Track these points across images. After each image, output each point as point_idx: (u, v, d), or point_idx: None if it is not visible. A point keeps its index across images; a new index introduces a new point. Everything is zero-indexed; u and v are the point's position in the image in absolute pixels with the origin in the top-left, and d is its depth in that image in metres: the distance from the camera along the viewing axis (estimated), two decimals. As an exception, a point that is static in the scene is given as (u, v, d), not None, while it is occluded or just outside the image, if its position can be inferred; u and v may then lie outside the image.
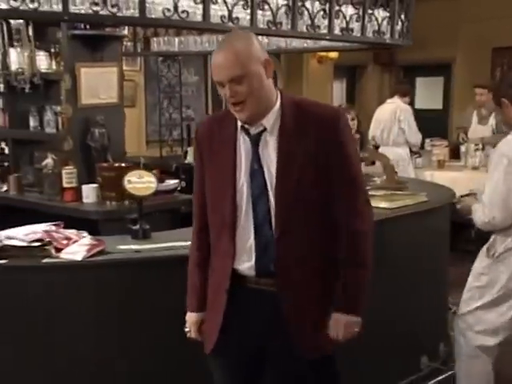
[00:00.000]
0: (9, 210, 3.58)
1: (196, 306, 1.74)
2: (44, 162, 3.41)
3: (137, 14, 2.08)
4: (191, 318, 1.75)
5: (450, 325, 3.09)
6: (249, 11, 2.32)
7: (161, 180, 3.65)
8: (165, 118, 5.29)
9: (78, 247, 2.02)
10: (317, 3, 2.57)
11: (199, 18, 2.21)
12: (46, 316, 1.96)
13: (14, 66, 3.48)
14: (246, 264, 1.63)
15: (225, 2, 2.23)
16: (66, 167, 3.34)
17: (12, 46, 3.43)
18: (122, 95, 3.61)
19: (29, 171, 3.67)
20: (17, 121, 3.74)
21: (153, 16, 2.11)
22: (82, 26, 3.25)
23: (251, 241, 1.62)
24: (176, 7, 2.12)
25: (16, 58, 3.48)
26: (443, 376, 2.93)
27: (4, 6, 1.94)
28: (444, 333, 3.13)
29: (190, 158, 4.77)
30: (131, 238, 2.29)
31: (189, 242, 1.88)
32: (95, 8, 2.08)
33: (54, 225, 2.17)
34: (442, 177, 5.11)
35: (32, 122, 3.67)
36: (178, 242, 2.18)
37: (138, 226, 2.29)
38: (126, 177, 2.25)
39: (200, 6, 2.18)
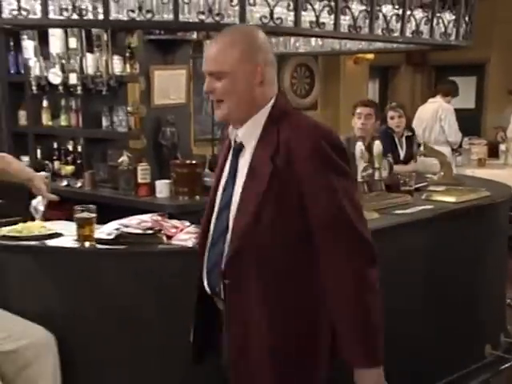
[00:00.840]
0: (86, 204, 3.80)
1: None
2: (120, 159, 3.61)
3: (237, 21, 2.27)
4: None
5: (508, 319, 3.25)
6: (333, 17, 2.50)
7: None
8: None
9: (186, 235, 2.21)
10: (389, 7, 2.74)
11: (290, 23, 2.39)
12: (157, 297, 2.14)
13: (90, 70, 3.69)
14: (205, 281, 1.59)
15: (313, 9, 2.42)
16: (141, 164, 3.55)
17: (91, 51, 3.65)
18: (189, 96, 3.82)
19: (101, 168, 3.88)
20: (89, 121, 3.96)
21: (251, 23, 2.30)
22: (157, 31, 3.45)
23: (205, 256, 1.58)
24: (272, 14, 2.31)
25: (92, 63, 3.69)
26: (507, 365, 3.05)
27: (124, 18, 2.15)
28: (503, 325, 3.28)
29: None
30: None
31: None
32: (201, 17, 2.28)
33: (159, 215, 2.36)
34: (483, 175, 5.23)
35: (104, 122, 3.89)
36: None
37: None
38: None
39: (292, 13, 2.37)
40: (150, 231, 2.19)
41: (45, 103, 4.19)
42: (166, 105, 3.65)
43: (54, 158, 4.20)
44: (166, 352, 2.12)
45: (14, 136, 4.39)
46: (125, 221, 2.28)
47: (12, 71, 4.25)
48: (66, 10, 2.18)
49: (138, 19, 2.15)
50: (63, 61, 3.77)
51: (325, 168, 1.41)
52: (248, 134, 1.50)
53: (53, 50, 3.79)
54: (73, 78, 3.73)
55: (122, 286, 2.14)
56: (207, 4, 2.20)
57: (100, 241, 2.18)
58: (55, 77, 3.81)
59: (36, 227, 2.34)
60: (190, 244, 2.16)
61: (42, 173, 2.66)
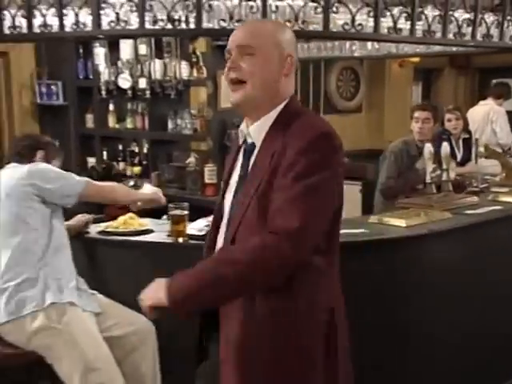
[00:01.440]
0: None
1: None
2: (187, 160, 3.77)
3: (319, 28, 2.38)
4: None
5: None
6: (409, 22, 2.59)
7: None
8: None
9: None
10: (461, 11, 2.81)
11: (370, 30, 2.49)
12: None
13: (158, 75, 3.86)
14: None
15: (391, 15, 2.51)
16: (208, 165, 3.69)
17: (159, 57, 3.82)
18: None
19: (167, 169, 4.05)
20: (155, 123, 4.13)
21: (333, 29, 2.41)
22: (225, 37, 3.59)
23: None
24: (353, 21, 2.42)
25: (160, 68, 3.86)
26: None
27: (215, 27, 2.29)
28: None
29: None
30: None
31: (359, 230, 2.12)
32: (288, 24, 2.38)
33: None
34: (536, 177, 5.22)
35: (170, 125, 4.05)
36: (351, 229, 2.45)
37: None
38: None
39: (371, 20, 2.47)
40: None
41: (111, 107, 4.39)
42: (231, 108, 3.77)
43: (119, 159, 4.40)
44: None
45: (81, 138, 4.60)
46: (211, 218, 2.41)
47: (81, 76, 4.46)
48: (162, 20, 2.32)
49: (228, 28, 2.28)
50: (133, 66, 3.95)
51: (301, 172, 1.30)
52: (258, 132, 1.39)
53: (123, 57, 3.97)
54: (142, 83, 3.90)
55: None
56: (293, 12, 2.32)
57: (192, 236, 2.31)
58: (124, 81, 4.00)
59: (131, 223, 2.46)
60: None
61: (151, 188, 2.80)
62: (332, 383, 1.38)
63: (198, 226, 2.35)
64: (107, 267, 2.37)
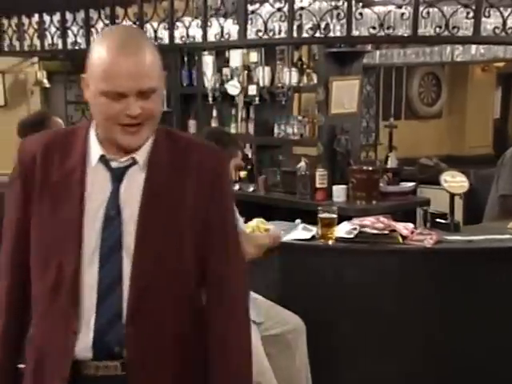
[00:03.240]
0: (257, 206, 4.07)
1: None
2: (298, 165, 3.84)
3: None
4: None
5: None
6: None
7: (394, 182, 3.98)
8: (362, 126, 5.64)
9: (421, 236, 2.36)
10: None
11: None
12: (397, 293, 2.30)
13: (267, 82, 3.96)
14: (82, 344, 1.21)
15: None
16: (319, 170, 3.75)
17: (267, 64, 3.92)
18: (360, 105, 3.99)
19: (271, 173, 4.13)
20: (261, 129, 4.23)
21: (484, 34, 2.40)
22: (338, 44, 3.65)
23: (91, 313, 1.20)
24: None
25: (268, 74, 3.96)
26: None
27: (365, 33, 2.35)
28: None
29: (390, 163, 5.09)
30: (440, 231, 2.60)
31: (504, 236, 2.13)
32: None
33: (384, 217, 2.52)
34: None
35: (276, 129, 4.14)
36: (493, 235, 2.45)
37: (449, 220, 2.60)
38: (442, 176, 2.57)
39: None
40: (386, 231, 2.35)
41: (214, 113, 4.52)
42: (341, 114, 3.84)
43: (222, 164, 4.50)
44: (401, 342, 2.27)
45: (183, 143, 4.75)
46: (357, 221, 2.46)
47: (184, 84, 4.62)
48: (311, 28, 2.40)
49: (378, 35, 2.33)
50: (242, 73, 4.06)
51: (229, 193, 1.32)
52: (144, 156, 1.26)
53: (232, 64, 4.09)
54: (252, 89, 4.01)
55: (363, 282, 2.31)
56: (444, 18, 2.34)
57: (340, 239, 2.37)
58: (233, 88, 4.11)
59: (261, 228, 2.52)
60: (427, 244, 2.30)
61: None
62: None
63: (345, 229, 2.41)
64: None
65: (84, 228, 1.21)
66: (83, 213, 1.22)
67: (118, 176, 1.23)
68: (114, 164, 1.24)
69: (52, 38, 3.43)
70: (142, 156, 1.24)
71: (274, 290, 2.39)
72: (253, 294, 2.27)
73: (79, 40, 3.38)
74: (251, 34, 2.58)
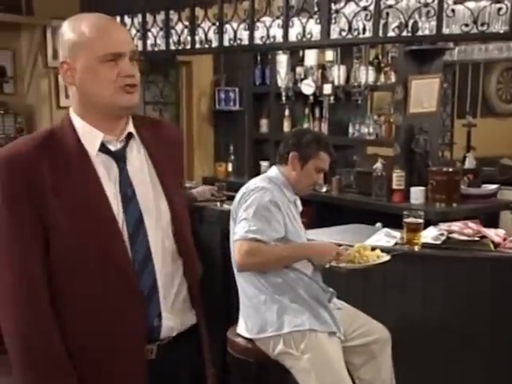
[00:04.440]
0: (329, 207, 4.02)
1: None
2: (374, 165, 3.75)
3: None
4: None
5: None
6: None
7: (475, 184, 3.82)
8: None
9: (513, 243, 2.24)
10: None
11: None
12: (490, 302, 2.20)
13: (342, 81, 3.89)
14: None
15: None
16: (396, 171, 3.64)
17: (342, 63, 3.85)
18: (439, 104, 3.84)
19: (345, 173, 4.06)
20: (335, 128, 4.17)
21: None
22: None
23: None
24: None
25: (344, 73, 3.89)
26: None
27: (457, 32, 2.25)
28: None
29: (467, 163, 4.88)
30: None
31: None
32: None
33: (472, 222, 2.41)
34: None
35: (351, 129, 4.06)
36: None
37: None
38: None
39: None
40: (476, 238, 2.25)
41: (287, 112, 4.49)
42: (419, 113, 3.72)
43: (293, 163, 4.48)
44: (493, 352, 2.16)
45: (254, 142, 4.76)
46: (444, 226, 2.36)
47: (257, 83, 4.62)
48: (398, 27, 2.33)
49: (471, 32, 2.22)
50: (316, 72, 4.01)
51: None
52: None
53: (307, 63, 4.05)
54: (327, 89, 3.95)
55: (450, 291, 2.22)
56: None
57: (426, 245, 2.28)
58: (308, 87, 4.06)
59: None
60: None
61: None
62: None
63: (431, 235, 2.32)
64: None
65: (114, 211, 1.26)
66: (107, 197, 1.26)
67: (120, 157, 1.30)
68: (112, 147, 1.31)
69: (133, 39, 3.52)
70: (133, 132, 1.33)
71: (358, 296, 2.34)
72: (337, 301, 2.23)
73: (159, 41, 3.45)
74: (334, 34, 2.53)
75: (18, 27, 3.79)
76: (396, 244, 2.37)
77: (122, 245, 1.25)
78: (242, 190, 2.17)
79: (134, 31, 3.52)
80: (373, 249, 2.14)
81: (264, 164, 4.63)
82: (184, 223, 1.36)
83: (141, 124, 1.35)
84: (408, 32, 2.34)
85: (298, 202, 2.29)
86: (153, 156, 1.33)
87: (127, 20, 3.54)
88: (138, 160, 1.32)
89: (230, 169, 4.82)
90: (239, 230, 2.03)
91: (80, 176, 1.25)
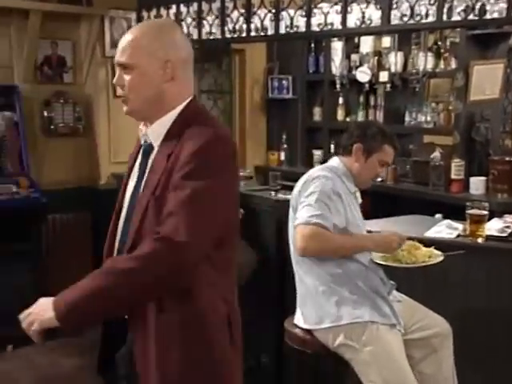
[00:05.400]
0: (385, 197, 3.95)
1: None
2: (432, 154, 3.65)
3: None
4: None
5: None
6: None
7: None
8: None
9: None
10: None
11: None
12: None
13: (399, 67, 3.79)
14: None
15: None
16: (455, 160, 3.53)
17: (400, 49, 3.74)
18: (502, 91, 3.68)
19: (401, 162, 3.97)
20: (391, 116, 4.08)
21: None
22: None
23: None
24: None
25: (401, 60, 3.79)
26: None
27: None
28: None
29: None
30: None
31: None
32: None
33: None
34: None
35: (407, 117, 3.96)
36: None
37: None
38: None
39: None
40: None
41: (340, 100, 4.42)
42: (481, 100, 3.58)
43: (347, 152, 4.41)
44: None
45: (307, 131, 4.72)
46: (509, 218, 2.28)
47: (311, 71, 4.57)
48: (465, 10, 2.24)
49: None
50: (372, 59, 3.92)
51: (192, 172, 1.32)
52: (156, 134, 1.43)
53: (363, 50, 3.96)
54: (383, 76, 3.86)
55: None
56: None
57: (491, 237, 2.20)
58: (363, 75, 3.98)
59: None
60: None
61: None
62: (238, 366, 1.48)
63: (496, 227, 2.24)
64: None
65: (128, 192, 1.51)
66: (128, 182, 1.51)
67: (145, 151, 1.45)
68: (142, 141, 1.47)
69: (188, 28, 3.53)
70: (153, 133, 1.43)
71: (418, 289, 2.29)
72: (397, 293, 2.19)
73: (214, 30, 3.46)
74: (395, 20, 2.46)
75: (78, 18, 3.87)
76: (458, 236, 2.30)
77: (117, 221, 1.50)
78: (303, 178, 2.16)
79: (189, 20, 3.54)
80: (427, 245, 2.09)
81: (317, 153, 4.59)
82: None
83: (184, 124, 1.38)
84: (475, 15, 2.25)
85: (358, 194, 2.26)
86: (154, 162, 1.41)
87: (183, 9, 3.56)
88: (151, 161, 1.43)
89: (282, 157, 4.80)
90: (302, 215, 2.02)
91: (134, 158, 1.52)
